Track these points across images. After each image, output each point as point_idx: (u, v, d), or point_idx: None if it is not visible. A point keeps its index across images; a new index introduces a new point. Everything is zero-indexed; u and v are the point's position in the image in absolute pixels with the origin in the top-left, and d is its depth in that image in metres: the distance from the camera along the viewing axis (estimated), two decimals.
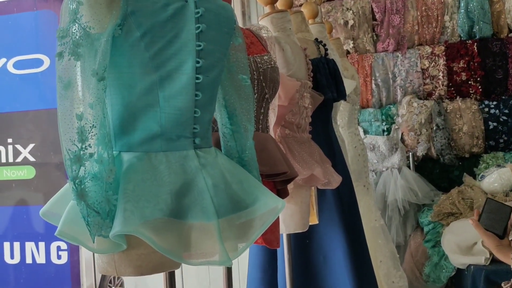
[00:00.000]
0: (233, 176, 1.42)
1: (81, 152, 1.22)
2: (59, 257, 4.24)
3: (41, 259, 4.23)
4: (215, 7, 1.42)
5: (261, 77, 1.72)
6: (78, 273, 4.22)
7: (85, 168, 1.22)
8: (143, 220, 1.22)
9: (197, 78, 1.34)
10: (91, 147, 1.23)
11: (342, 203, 2.49)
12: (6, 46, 4.30)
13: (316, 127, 2.32)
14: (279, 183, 1.76)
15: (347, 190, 2.57)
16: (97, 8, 1.25)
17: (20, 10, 4.30)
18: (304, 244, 2.44)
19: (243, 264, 3.35)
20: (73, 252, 4.18)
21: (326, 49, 2.53)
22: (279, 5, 2.28)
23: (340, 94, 2.50)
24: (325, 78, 2.39)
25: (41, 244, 4.21)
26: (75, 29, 1.23)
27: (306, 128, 2.14)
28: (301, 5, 3.40)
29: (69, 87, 1.24)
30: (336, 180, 2.19)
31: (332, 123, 2.64)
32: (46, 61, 4.24)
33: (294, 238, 2.38)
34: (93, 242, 1.24)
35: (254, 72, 1.73)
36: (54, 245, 4.20)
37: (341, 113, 3.11)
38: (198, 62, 1.34)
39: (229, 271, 1.81)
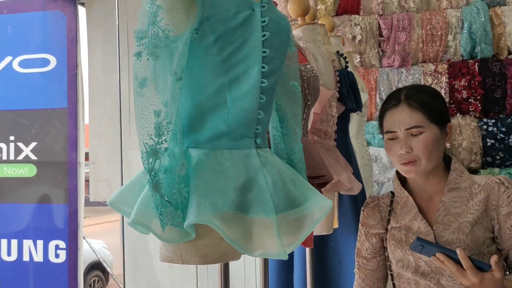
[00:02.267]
0: (287, 175, 1.51)
1: (157, 146, 1.29)
2: (57, 255, 4.25)
3: (38, 258, 4.24)
4: (276, 17, 1.52)
5: (305, 85, 1.82)
6: (75, 272, 4.24)
7: (160, 162, 1.30)
8: (214, 212, 1.30)
9: (262, 82, 1.43)
10: (166, 142, 1.30)
11: (357, 209, 2.59)
12: (13, 45, 4.33)
13: (337, 135, 2.42)
14: (316, 185, 1.85)
15: (361, 197, 2.68)
16: (176, 12, 1.33)
17: (29, 10, 4.33)
18: (321, 247, 2.54)
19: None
20: (72, 251, 4.20)
21: (346, 62, 2.64)
22: (307, 18, 2.39)
23: (358, 105, 2.62)
24: (346, 90, 2.50)
25: (39, 242, 4.23)
26: (154, 31, 1.31)
27: (332, 136, 2.25)
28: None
29: (144, 85, 1.32)
30: (357, 187, 2.29)
31: (349, 133, 2.75)
32: (53, 61, 4.28)
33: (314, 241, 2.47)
34: (163, 231, 1.32)
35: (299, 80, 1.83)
36: (52, 244, 4.22)
37: (351, 124, 3.22)
38: (263, 67, 1.43)
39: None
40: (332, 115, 2.20)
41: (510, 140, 3.92)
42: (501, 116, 4.00)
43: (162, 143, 1.30)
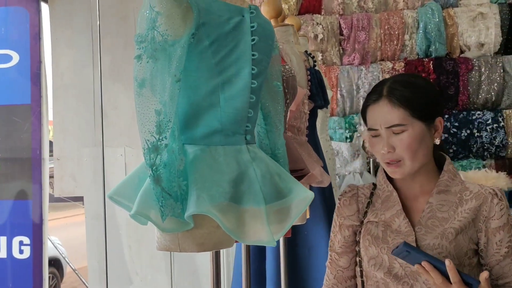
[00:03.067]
0: (273, 169, 1.63)
1: (158, 143, 1.40)
2: (21, 251, 4.25)
3: (2, 254, 4.23)
4: (263, 22, 1.64)
5: (284, 84, 1.94)
6: (40, 268, 4.24)
7: (160, 157, 1.41)
8: (212, 203, 1.42)
9: (252, 83, 1.55)
10: (166, 138, 1.41)
11: (325, 200, 2.74)
12: None
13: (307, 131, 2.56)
14: (295, 178, 1.98)
15: (328, 189, 2.83)
16: (174, 18, 1.43)
17: None
18: (292, 236, 2.67)
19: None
20: (36, 247, 4.20)
21: (314, 61, 2.78)
22: (279, 19, 2.50)
23: (326, 102, 2.76)
24: (315, 87, 2.64)
25: (3, 239, 4.21)
26: (154, 35, 1.41)
27: (304, 132, 2.38)
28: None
29: (143, 85, 1.42)
30: (327, 180, 2.44)
31: (316, 129, 2.90)
32: (15, 57, 4.26)
33: None
34: (163, 222, 1.42)
35: None
36: (16, 240, 4.21)
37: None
38: (253, 69, 1.55)
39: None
40: (305, 112, 2.33)
41: (462, 134, 4.16)
42: (454, 111, 4.23)
43: (163, 140, 1.40)
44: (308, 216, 2.54)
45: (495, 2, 4.30)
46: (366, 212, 1.64)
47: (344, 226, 1.67)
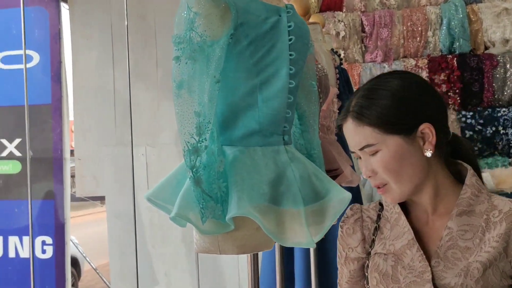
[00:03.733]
0: (311, 170, 1.62)
1: (199, 145, 1.38)
2: (43, 251, 4.27)
3: (25, 254, 4.26)
4: (299, 22, 1.62)
5: (317, 84, 1.92)
6: (63, 267, 4.27)
7: (200, 159, 1.39)
8: (252, 205, 1.40)
9: (290, 83, 1.54)
10: (206, 140, 1.40)
11: (354, 200, 2.71)
12: None
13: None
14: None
15: (355, 188, 2.81)
16: (212, 19, 1.42)
17: (11, 6, 4.33)
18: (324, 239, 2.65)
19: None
20: (58, 246, 4.23)
21: (341, 59, 2.76)
22: (306, 17, 2.49)
23: None
24: (342, 86, 2.62)
25: (25, 239, 4.24)
26: (192, 36, 1.40)
27: (334, 131, 2.36)
28: None
29: (182, 87, 1.40)
30: (356, 179, 2.41)
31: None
32: (36, 57, 4.29)
33: None
34: (203, 224, 1.41)
35: None
36: (39, 240, 4.24)
37: None
38: (291, 69, 1.53)
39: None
40: (334, 111, 2.32)
41: (487, 131, 4.11)
42: (478, 108, 4.19)
43: (203, 142, 1.39)
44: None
45: None
46: (373, 241, 1.35)
47: (349, 259, 1.41)
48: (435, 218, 1.24)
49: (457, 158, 1.27)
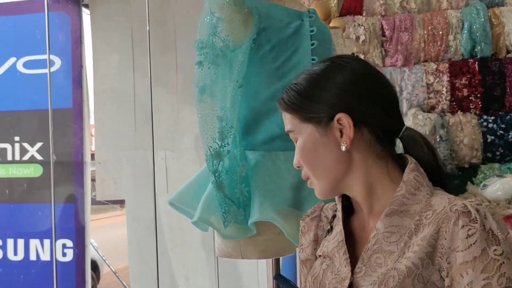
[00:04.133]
0: None
1: (221, 149, 1.39)
2: (64, 254, 4.31)
3: (45, 257, 4.30)
4: (321, 26, 1.62)
5: None
6: (83, 271, 4.30)
7: (223, 163, 1.40)
8: (275, 209, 1.41)
9: None
10: (229, 144, 1.40)
11: None
12: (17, 46, 4.38)
13: None
14: None
15: None
16: (235, 24, 1.43)
17: (33, 11, 4.38)
18: None
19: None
20: (79, 250, 4.27)
21: None
22: (327, 22, 2.49)
23: None
24: None
25: (46, 242, 4.28)
26: (215, 41, 1.41)
27: None
28: None
29: (204, 92, 1.41)
30: None
31: None
32: (57, 62, 4.33)
33: None
34: (225, 228, 1.41)
35: None
36: (59, 243, 4.28)
37: None
38: None
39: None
40: None
41: (509, 136, 4.06)
42: (500, 113, 4.14)
43: (225, 146, 1.40)
44: None
45: None
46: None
47: (301, 262, 1.24)
48: (371, 218, 1.09)
49: (411, 154, 1.10)
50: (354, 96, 1.06)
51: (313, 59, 1.55)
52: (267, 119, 1.50)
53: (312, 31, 1.55)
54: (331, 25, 2.97)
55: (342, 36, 2.64)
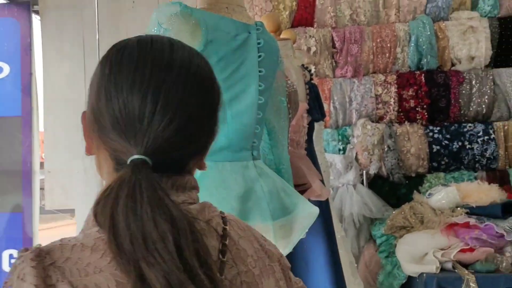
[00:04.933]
0: (279, 185, 1.64)
1: None
2: (10, 265, 4.21)
3: None
4: (268, 39, 1.65)
5: (287, 99, 1.96)
6: None
7: None
8: None
9: (259, 99, 1.57)
10: None
11: (322, 213, 2.75)
12: None
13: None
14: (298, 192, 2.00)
15: (325, 201, 2.83)
16: (182, 35, 1.44)
17: None
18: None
19: None
20: None
21: (311, 75, 2.80)
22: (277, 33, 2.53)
23: (323, 115, 2.78)
24: (312, 101, 2.66)
25: None
26: None
27: (303, 145, 2.40)
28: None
29: None
30: (325, 193, 2.45)
31: (313, 142, 2.91)
32: (6, 69, 4.24)
33: None
34: None
35: None
36: (6, 253, 4.18)
37: None
38: (260, 86, 1.56)
39: None
40: (304, 126, 2.35)
41: (454, 146, 4.20)
42: (445, 124, 4.27)
43: None
44: (307, 230, 2.54)
45: (485, 16, 4.36)
46: None
47: None
48: None
49: None
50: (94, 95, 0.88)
51: (260, 71, 1.58)
52: None
53: (259, 43, 1.58)
54: (281, 36, 3.01)
55: (292, 48, 2.68)
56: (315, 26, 4.34)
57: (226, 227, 0.87)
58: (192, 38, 1.47)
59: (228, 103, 1.52)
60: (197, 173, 1.49)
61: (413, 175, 4.23)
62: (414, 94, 4.24)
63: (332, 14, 4.32)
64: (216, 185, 1.49)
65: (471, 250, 3.26)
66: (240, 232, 0.88)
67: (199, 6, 1.56)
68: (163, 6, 1.53)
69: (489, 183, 3.90)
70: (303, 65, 2.81)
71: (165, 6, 1.51)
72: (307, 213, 1.68)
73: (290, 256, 2.68)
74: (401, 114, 4.28)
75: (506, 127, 4.24)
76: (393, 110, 4.26)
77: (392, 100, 4.24)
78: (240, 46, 1.54)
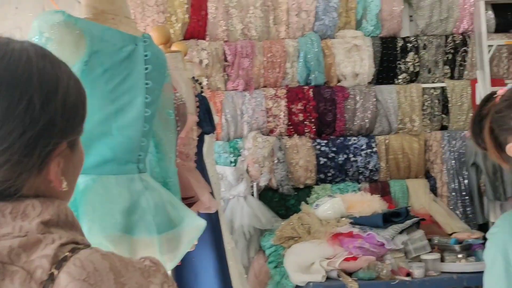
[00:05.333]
0: (166, 198, 1.64)
1: None
2: None
3: None
4: (156, 51, 1.65)
5: (175, 112, 1.95)
6: None
7: None
8: (104, 235, 1.40)
9: (146, 112, 1.56)
10: None
11: (212, 226, 2.76)
12: None
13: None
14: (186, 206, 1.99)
15: (214, 214, 2.85)
16: (65, 45, 1.41)
17: None
18: (180, 263, 2.66)
19: None
20: None
21: (201, 87, 2.82)
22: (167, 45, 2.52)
23: (214, 127, 2.80)
24: (203, 113, 2.67)
25: None
26: None
27: (193, 158, 2.40)
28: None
29: None
30: (215, 205, 2.47)
31: (203, 154, 2.92)
32: None
33: None
34: None
35: None
36: None
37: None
38: (147, 98, 1.55)
39: None
40: (193, 138, 2.36)
41: (339, 158, 4.37)
42: (332, 137, 4.44)
43: None
44: (196, 242, 2.54)
45: (368, 36, 4.59)
46: None
47: None
48: None
49: None
50: None
51: (147, 84, 1.57)
52: (98, 142, 1.48)
53: (146, 55, 1.57)
54: (173, 48, 3.01)
55: (182, 60, 2.68)
56: (207, 39, 4.37)
57: (55, 271, 0.70)
58: (76, 48, 1.43)
59: (113, 116, 1.50)
60: (80, 187, 1.46)
61: (302, 186, 4.36)
62: (302, 108, 4.38)
63: (224, 28, 4.37)
64: (100, 199, 1.46)
65: (355, 258, 3.41)
66: (81, 276, 0.70)
67: (84, 16, 1.53)
68: (45, 14, 1.49)
69: (372, 194, 4.10)
70: (194, 77, 2.82)
71: (48, 14, 1.47)
72: (194, 226, 1.68)
73: (179, 269, 2.68)
74: (291, 127, 4.40)
75: (387, 141, 4.48)
76: (283, 123, 4.37)
77: (282, 113, 4.35)
78: (126, 58, 1.52)
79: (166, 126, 1.77)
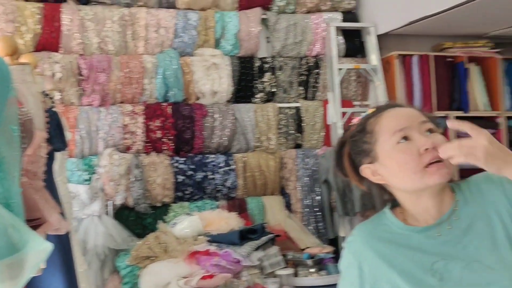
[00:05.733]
0: (7, 220, 1.52)
1: None
2: None
3: None
4: None
5: (21, 128, 1.82)
6: None
7: None
8: None
9: None
10: None
11: (62, 247, 2.62)
12: None
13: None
14: (31, 228, 1.86)
15: (65, 235, 2.70)
16: None
17: None
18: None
19: None
20: None
21: (52, 102, 2.67)
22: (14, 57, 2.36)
23: (65, 144, 2.67)
24: (53, 129, 2.53)
25: None
26: None
27: (41, 176, 2.26)
28: None
29: None
30: (65, 226, 2.33)
31: (53, 172, 2.77)
32: None
33: None
34: None
35: None
36: None
37: None
38: None
39: None
40: (42, 156, 2.22)
41: (197, 176, 4.37)
42: (190, 155, 4.44)
43: None
44: (44, 266, 2.40)
45: (227, 55, 4.67)
46: None
47: None
48: None
49: None
50: None
51: None
52: None
53: None
54: (21, 60, 2.83)
55: (31, 73, 2.53)
56: (61, 51, 4.19)
57: None
58: None
59: None
60: None
61: (159, 204, 4.30)
62: (161, 125, 4.33)
63: (79, 41, 4.22)
64: None
65: (211, 276, 3.42)
66: None
67: None
68: None
69: (229, 211, 4.15)
70: (44, 91, 2.68)
71: None
72: (40, 249, 1.57)
73: None
74: (148, 144, 4.33)
75: (244, 159, 4.56)
76: (140, 140, 4.29)
77: (139, 130, 4.27)
78: None
79: (9, 143, 1.64)
